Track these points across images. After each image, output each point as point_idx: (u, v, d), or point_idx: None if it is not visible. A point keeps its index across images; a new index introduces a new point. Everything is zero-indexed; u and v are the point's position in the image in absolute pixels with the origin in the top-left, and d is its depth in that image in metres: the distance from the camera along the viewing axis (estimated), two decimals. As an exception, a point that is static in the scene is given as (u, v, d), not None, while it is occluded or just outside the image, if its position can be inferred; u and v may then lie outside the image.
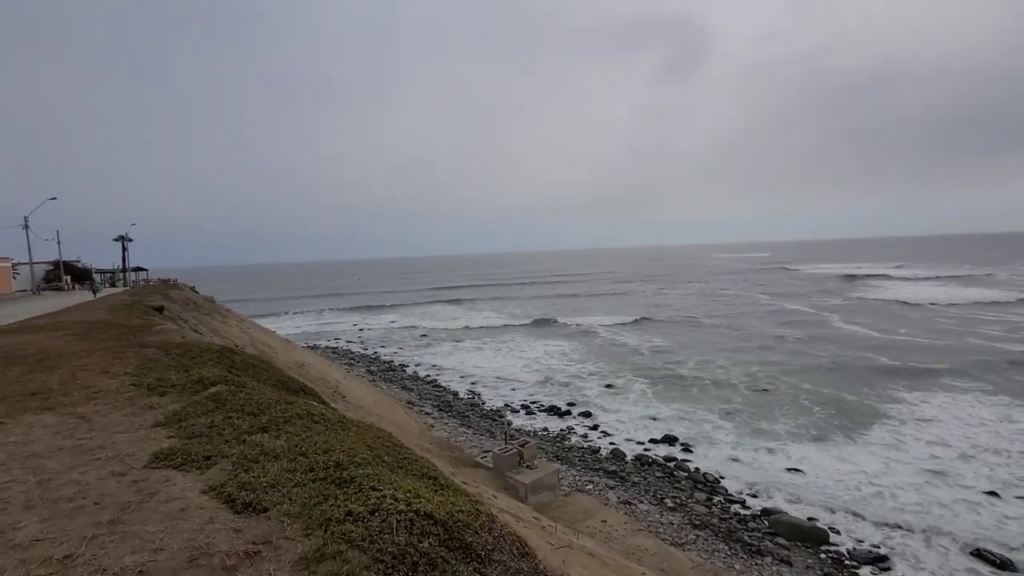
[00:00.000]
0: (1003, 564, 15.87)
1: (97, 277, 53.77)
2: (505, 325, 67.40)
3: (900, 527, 18.09)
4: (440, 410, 31.70)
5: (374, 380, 38.59)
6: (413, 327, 69.60)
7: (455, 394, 36.39)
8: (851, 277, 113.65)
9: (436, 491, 4.45)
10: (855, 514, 18.98)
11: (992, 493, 19.95)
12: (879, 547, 16.95)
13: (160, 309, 20.58)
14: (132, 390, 7.13)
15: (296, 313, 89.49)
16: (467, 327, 67.28)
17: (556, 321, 68.49)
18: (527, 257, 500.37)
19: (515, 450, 18.02)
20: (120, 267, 63.51)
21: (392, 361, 48.35)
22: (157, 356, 9.55)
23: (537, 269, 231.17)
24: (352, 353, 52.88)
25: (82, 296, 33.86)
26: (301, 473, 4.30)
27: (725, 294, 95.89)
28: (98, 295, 33.77)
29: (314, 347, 53.85)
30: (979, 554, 16.41)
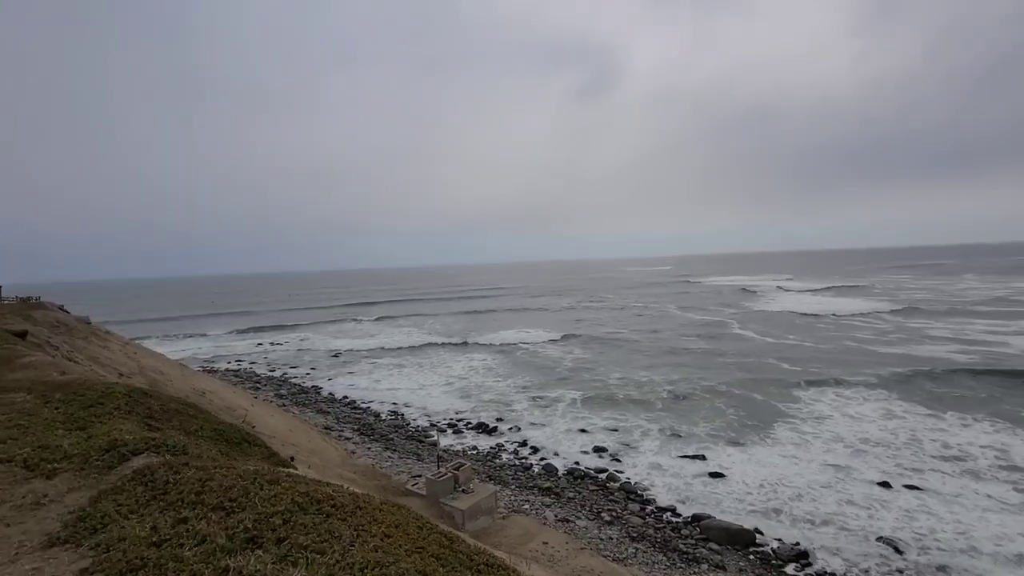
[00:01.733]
0: (900, 548, 17.37)
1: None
2: (427, 342, 65.40)
3: (813, 522, 19.26)
4: (361, 434, 29.55)
5: (285, 405, 35.34)
6: (326, 346, 65.44)
7: (376, 415, 34.26)
8: (746, 290, 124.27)
9: None
10: (775, 513, 19.98)
11: (884, 484, 21.96)
12: (799, 544, 17.87)
13: (23, 335, 17.08)
14: (-5, 470, 4.60)
15: (188, 337, 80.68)
16: (386, 344, 64.47)
17: (479, 337, 67.76)
18: (448, 271, 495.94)
19: (449, 474, 16.94)
20: (-38, 283, 53.46)
21: (303, 384, 44.79)
22: (31, 406, 6.70)
23: (458, 283, 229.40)
24: (257, 375, 48.38)
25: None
26: None
27: (637, 305, 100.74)
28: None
29: (212, 371, 48.59)
30: (882, 540, 17.85)
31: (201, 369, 44.25)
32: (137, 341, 36.60)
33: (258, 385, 43.48)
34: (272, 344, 68.81)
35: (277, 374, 49.09)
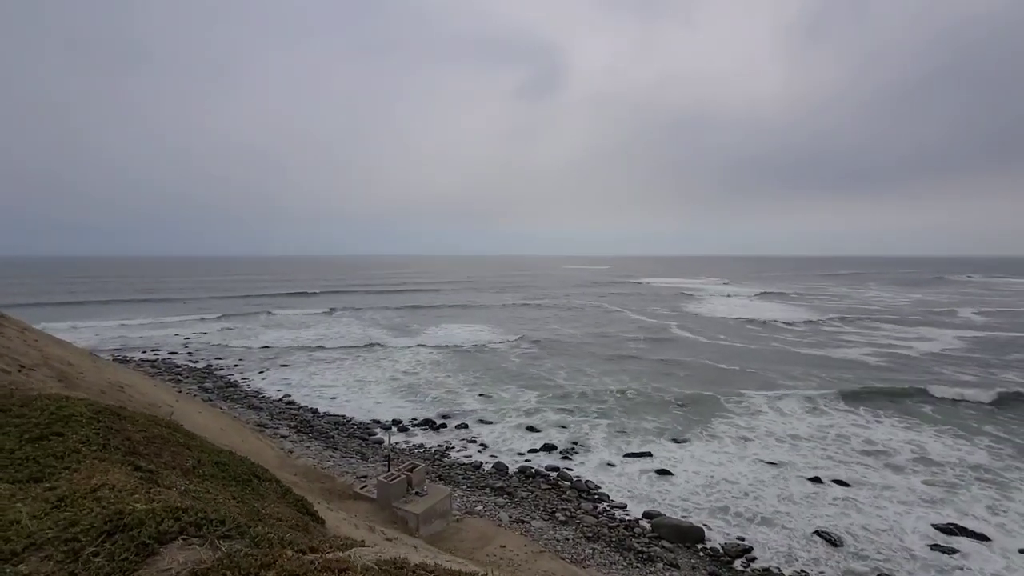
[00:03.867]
0: (835, 541, 18.33)
1: None
2: (368, 335, 62.92)
3: (755, 518, 19.96)
4: (298, 432, 27.66)
5: (211, 400, 32.53)
6: (257, 336, 61.35)
7: (315, 411, 32.29)
8: (685, 293, 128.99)
9: None
10: (720, 510, 20.54)
11: (816, 479, 23.20)
12: (744, 539, 18.43)
13: None
14: None
15: (97, 323, 73.09)
16: (324, 336, 61.41)
17: (423, 331, 66.21)
18: (388, 261, 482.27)
19: (403, 476, 15.96)
20: None
21: (231, 376, 41.54)
22: None
23: (398, 275, 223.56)
24: (177, 366, 44.36)
25: None
26: None
27: (580, 304, 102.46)
28: None
29: (125, 361, 44.08)
30: (818, 534, 18.77)
31: (113, 359, 39.93)
32: (38, 327, 32.18)
33: (179, 377, 39.89)
34: (195, 333, 63.58)
35: (200, 365, 45.28)
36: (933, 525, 19.45)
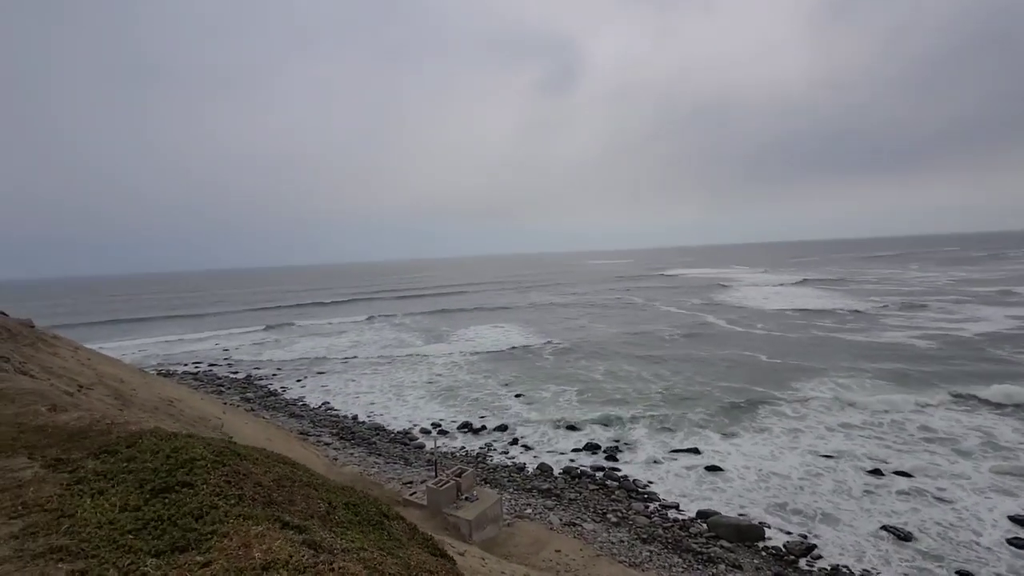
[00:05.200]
0: (905, 536, 17.38)
1: None
2: (401, 340, 63.45)
3: (816, 514, 19.11)
4: (341, 438, 27.86)
5: (254, 410, 33.08)
6: (292, 345, 62.49)
7: (354, 418, 32.56)
8: (722, 284, 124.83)
9: None
10: (777, 507, 19.76)
11: (876, 472, 22.13)
12: (807, 537, 17.65)
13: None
14: None
15: (138, 338, 75.65)
16: (358, 342, 62.17)
17: (454, 334, 66.39)
18: (414, 265, 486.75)
19: (452, 482, 15.77)
20: None
21: (271, 385, 42.32)
22: (52, 490, 3.90)
23: (425, 279, 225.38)
24: (219, 378, 45.45)
25: None
26: None
27: (610, 300, 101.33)
28: None
29: (169, 375, 45.35)
30: (886, 529, 17.85)
31: (157, 373, 41.11)
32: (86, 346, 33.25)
33: (221, 388, 40.79)
34: (232, 345, 65.16)
35: (240, 376, 46.27)
36: (1009, 517, 18.31)
